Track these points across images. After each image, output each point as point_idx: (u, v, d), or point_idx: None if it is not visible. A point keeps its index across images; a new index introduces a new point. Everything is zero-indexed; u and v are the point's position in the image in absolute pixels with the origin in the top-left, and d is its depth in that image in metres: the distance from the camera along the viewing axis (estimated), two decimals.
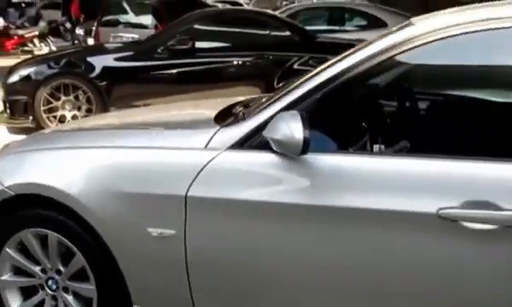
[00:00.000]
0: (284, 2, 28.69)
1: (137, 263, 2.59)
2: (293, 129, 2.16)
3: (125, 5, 12.77)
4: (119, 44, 8.20)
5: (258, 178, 2.35)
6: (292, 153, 2.22)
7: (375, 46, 2.31)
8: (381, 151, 2.50)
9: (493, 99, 2.81)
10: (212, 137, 2.46)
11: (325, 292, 2.31)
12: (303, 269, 2.31)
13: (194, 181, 2.41)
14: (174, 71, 7.19)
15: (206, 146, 2.45)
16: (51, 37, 17.08)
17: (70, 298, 2.80)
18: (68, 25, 20.09)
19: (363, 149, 2.51)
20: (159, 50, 7.25)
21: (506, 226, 2.00)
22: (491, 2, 2.57)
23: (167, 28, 8.07)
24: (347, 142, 2.48)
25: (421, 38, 2.25)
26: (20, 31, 16.92)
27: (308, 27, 9.11)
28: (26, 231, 2.78)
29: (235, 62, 7.20)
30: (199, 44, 7.34)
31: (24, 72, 7.24)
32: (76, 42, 17.69)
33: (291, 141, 2.17)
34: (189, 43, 7.20)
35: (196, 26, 7.53)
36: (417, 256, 2.14)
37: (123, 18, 12.58)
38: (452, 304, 2.14)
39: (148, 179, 2.52)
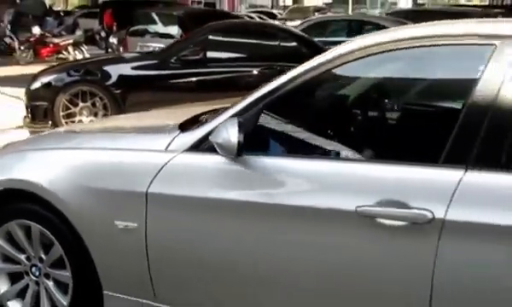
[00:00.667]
0: (316, 14, 28.93)
1: (106, 252, 2.89)
2: (230, 134, 2.45)
3: (154, 16, 13.22)
4: (136, 54, 8.59)
5: (207, 177, 2.64)
6: (230, 155, 2.50)
7: (310, 63, 2.59)
8: (309, 154, 2.75)
9: (406, 108, 3.07)
10: (172, 141, 2.76)
11: (252, 282, 2.59)
12: (242, 261, 2.59)
13: (154, 179, 2.71)
14: (186, 80, 7.53)
15: (166, 148, 2.74)
16: (85, 46, 17.64)
17: (50, 283, 3.12)
18: (103, 33, 20.72)
19: (296, 153, 2.77)
20: (172, 60, 7.60)
21: (413, 223, 2.24)
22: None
23: (182, 39, 8.43)
24: (285, 146, 2.76)
25: (345, 56, 2.53)
26: (56, 40, 17.54)
27: (328, 38, 9.37)
28: (13, 222, 3.11)
29: (245, 72, 7.51)
30: (210, 55, 7.66)
31: (45, 79, 7.68)
32: (109, 50, 18.29)
33: (228, 145, 2.46)
34: (201, 53, 7.54)
35: (209, 38, 7.87)
36: (338, 250, 2.39)
37: (151, 28, 13.02)
38: (368, 293, 2.38)
39: (115, 177, 2.83)
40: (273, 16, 31.34)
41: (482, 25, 2.65)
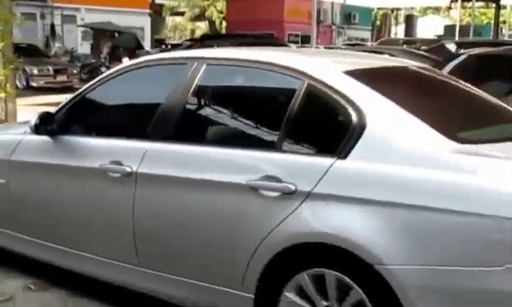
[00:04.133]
0: (405, 46, 29.55)
1: None
2: (32, 120, 3.95)
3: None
4: None
5: (34, 148, 4.15)
6: (30, 133, 3.99)
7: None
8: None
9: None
10: (27, 129, 4.26)
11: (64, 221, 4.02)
12: (55, 204, 4.03)
13: (14, 151, 4.26)
14: None
15: (23, 132, 4.27)
16: None
17: None
18: None
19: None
20: None
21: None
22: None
23: None
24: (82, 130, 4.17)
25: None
26: None
27: None
28: None
29: None
30: None
31: None
32: None
33: (31, 126, 3.96)
34: None
35: None
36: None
37: None
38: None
39: None
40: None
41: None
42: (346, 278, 2.87)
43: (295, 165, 3.08)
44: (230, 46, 13.69)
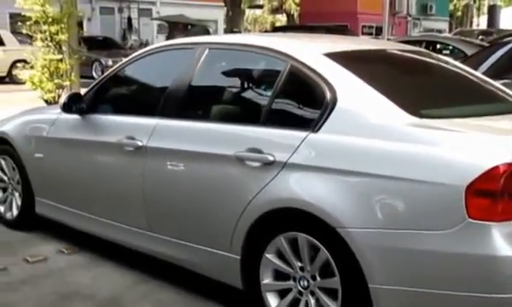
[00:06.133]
0: (480, 37, 28.88)
1: (33, 171, 4.95)
2: (62, 99, 4.42)
3: None
4: None
5: (66, 126, 4.63)
6: (65, 112, 4.46)
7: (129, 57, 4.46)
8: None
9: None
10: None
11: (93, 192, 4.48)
12: (86, 177, 4.50)
13: (49, 128, 4.76)
14: None
15: (59, 113, 4.75)
16: None
17: None
18: None
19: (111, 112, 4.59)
20: None
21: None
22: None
23: None
24: (110, 109, 4.60)
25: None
26: None
27: None
28: None
29: None
30: None
31: None
32: None
33: (61, 105, 4.43)
34: None
35: None
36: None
37: None
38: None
39: (35, 128, 4.92)
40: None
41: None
42: (315, 240, 3.16)
43: (275, 137, 3.39)
44: None
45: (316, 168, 3.15)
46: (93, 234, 4.57)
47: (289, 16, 49.48)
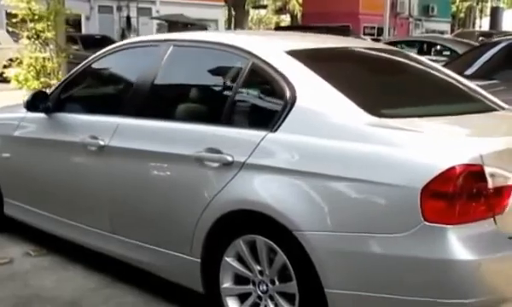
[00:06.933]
0: (480, 38, 28.74)
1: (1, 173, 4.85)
2: (25, 98, 4.30)
3: None
4: None
5: (32, 125, 4.51)
6: (29, 111, 4.34)
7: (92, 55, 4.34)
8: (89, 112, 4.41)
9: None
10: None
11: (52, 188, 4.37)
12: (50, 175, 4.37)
13: (17, 127, 4.65)
14: None
15: (26, 111, 4.63)
16: None
17: None
18: None
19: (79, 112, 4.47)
20: None
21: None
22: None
23: None
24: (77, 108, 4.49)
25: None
26: None
27: None
28: None
29: None
30: None
31: None
32: None
33: (24, 103, 4.32)
34: None
35: None
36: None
37: None
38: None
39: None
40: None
41: None
42: (272, 243, 3.04)
43: (234, 137, 3.27)
44: None
45: (273, 169, 3.03)
46: (60, 236, 4.45)
47: (293, 17, 49.39)
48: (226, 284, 3.29)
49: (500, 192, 2.70)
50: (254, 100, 3.42)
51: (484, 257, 2.63)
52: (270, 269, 3.10)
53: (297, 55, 3.34)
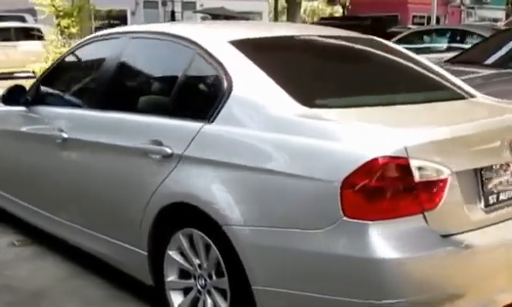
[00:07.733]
0: None
1: None
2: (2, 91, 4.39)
3: None
4: None
5: (15, 118, 4.59)
6: (6, 104, 4.43)
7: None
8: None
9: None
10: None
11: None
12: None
13: None
14: None
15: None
16: None
17: None
18: None
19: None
20: None
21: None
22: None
23: None
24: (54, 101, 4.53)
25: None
26: None
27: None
28: None
29: None
30: None
31: None
32: None
33: (0, 97, 4.40)
34: None
35: None
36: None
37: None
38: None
39: None
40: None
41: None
42: (206, 237, 3.00)
43: (173, 129, 3.24)
44: None
45: (206, 161, 3.00)
46: (35, 225, 4.53)
47: (344, 7, 48.81)
48: (170, 277, 3.27)
49: (430, 186, 2.56)
50: (196, 90, 3.40)
51: (409, 256, 2.50)
52: (207, 264, 3.07)
53: (239, 44, 3.27)
